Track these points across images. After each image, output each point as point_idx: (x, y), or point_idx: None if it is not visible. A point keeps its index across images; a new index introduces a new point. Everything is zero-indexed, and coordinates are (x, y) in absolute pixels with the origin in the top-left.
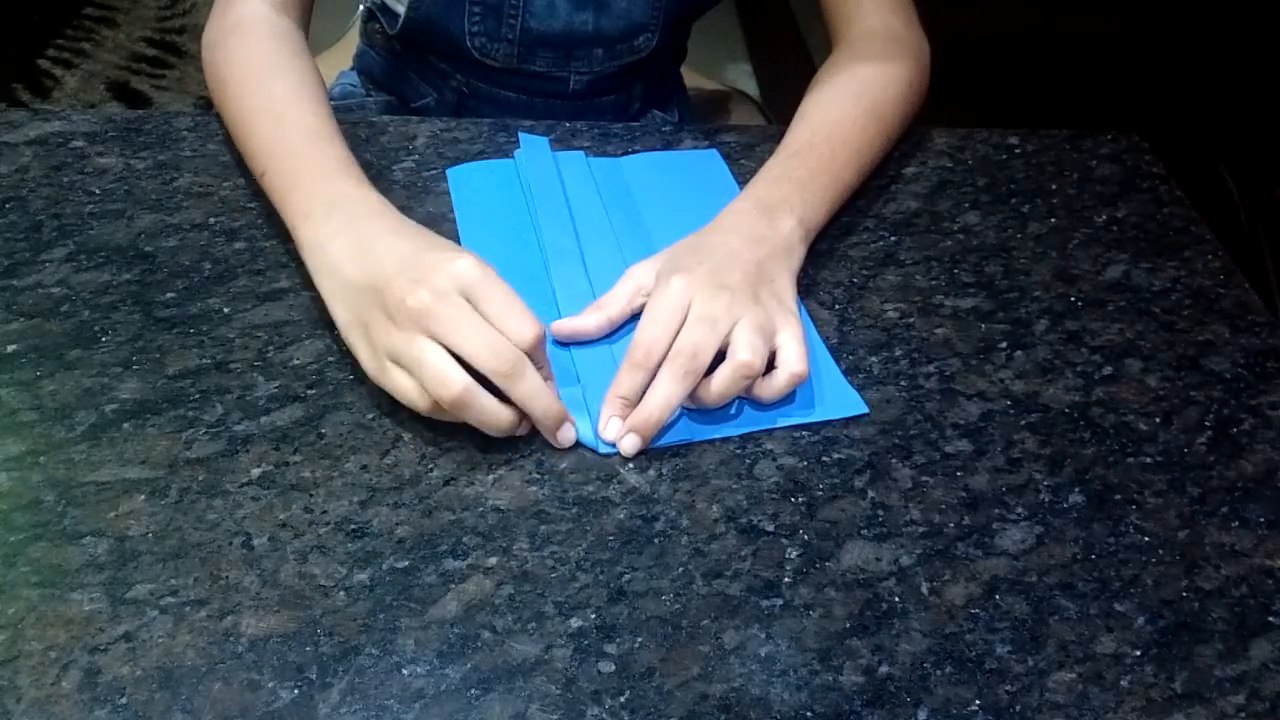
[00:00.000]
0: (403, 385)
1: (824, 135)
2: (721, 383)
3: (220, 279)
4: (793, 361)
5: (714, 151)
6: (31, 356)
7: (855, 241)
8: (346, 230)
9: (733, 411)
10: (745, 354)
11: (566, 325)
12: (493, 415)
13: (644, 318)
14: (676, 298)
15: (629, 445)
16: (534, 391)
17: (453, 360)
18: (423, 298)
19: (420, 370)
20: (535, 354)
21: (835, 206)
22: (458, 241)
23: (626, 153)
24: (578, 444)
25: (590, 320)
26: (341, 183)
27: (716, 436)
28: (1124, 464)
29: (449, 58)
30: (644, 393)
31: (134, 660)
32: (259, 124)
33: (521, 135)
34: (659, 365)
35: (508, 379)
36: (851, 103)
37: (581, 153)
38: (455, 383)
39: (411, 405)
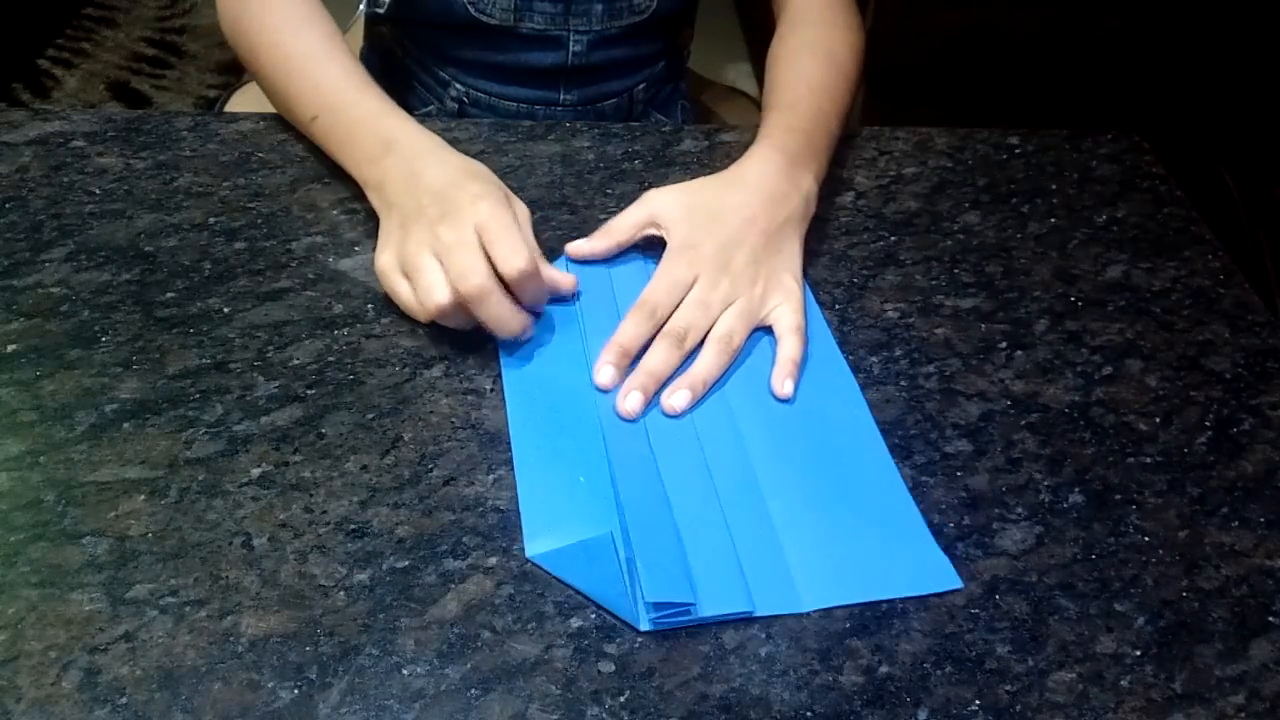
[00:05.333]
0: (431, 276)
1: (808, 90)
2: (702, 361)
3: (220, 279)
4: (786, 319)
5: None
6: (31, 356)
7: (855, 241)
8: (400, 166)
9: (812, 583)
10: (723, 329)
11: (578, 246)
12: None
13: (650, 287)
14: (681, 275)
15: (633, 403)
16: (496, 315)
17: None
18: (444, 233)
19: (449, 257)
20: (522, 283)
21: (830, 159)
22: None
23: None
24: None
25: (600, 243)
26: (392, 121)
27: (797, 611)
28: (1124, 464)
29: (442, 28)
30: (640, 346)
31: (134, 660)
32: (301, 71)
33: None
34: (660, 325)
35: (473, 301)
36: (823, 63)
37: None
38: (478, 274)
39: (429, 297)
